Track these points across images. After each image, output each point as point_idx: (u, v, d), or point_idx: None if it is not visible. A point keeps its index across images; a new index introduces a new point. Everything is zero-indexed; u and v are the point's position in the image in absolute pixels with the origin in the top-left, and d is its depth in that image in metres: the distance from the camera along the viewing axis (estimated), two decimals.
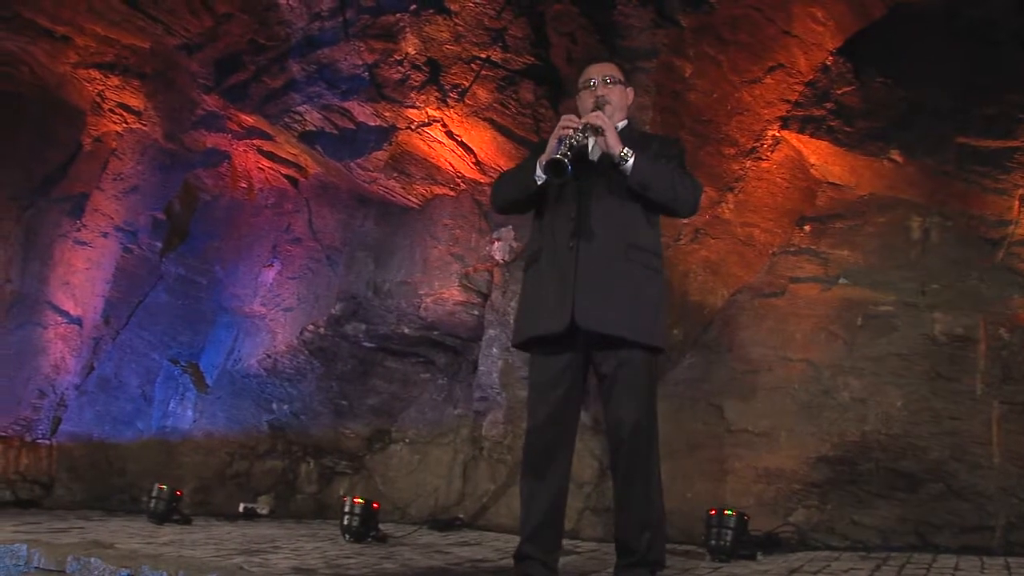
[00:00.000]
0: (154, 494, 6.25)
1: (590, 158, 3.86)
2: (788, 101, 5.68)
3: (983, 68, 5.24)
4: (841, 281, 5.62)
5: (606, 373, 3.73)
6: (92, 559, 3.98)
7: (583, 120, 3.77)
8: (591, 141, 3.80)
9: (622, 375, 3.69)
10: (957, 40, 5.31)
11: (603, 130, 3.74)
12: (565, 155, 3.62)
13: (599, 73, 4.06)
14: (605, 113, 3.88)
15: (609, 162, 3.77)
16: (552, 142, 3.76)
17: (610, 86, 4.02)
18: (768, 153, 5.76)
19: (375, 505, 5.51)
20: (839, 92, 5.57)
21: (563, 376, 3.77)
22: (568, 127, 3.72)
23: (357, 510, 5.42)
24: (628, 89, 4.14)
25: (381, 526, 5.61)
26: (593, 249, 3.71)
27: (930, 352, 5.28)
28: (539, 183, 3.80)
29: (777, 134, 5.73)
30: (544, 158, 3.74)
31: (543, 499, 3.76)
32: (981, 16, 5.26)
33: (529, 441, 3.83)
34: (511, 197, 4.04)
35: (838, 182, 5.76)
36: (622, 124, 4.03)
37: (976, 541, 4.96)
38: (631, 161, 3.70)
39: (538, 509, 3.75)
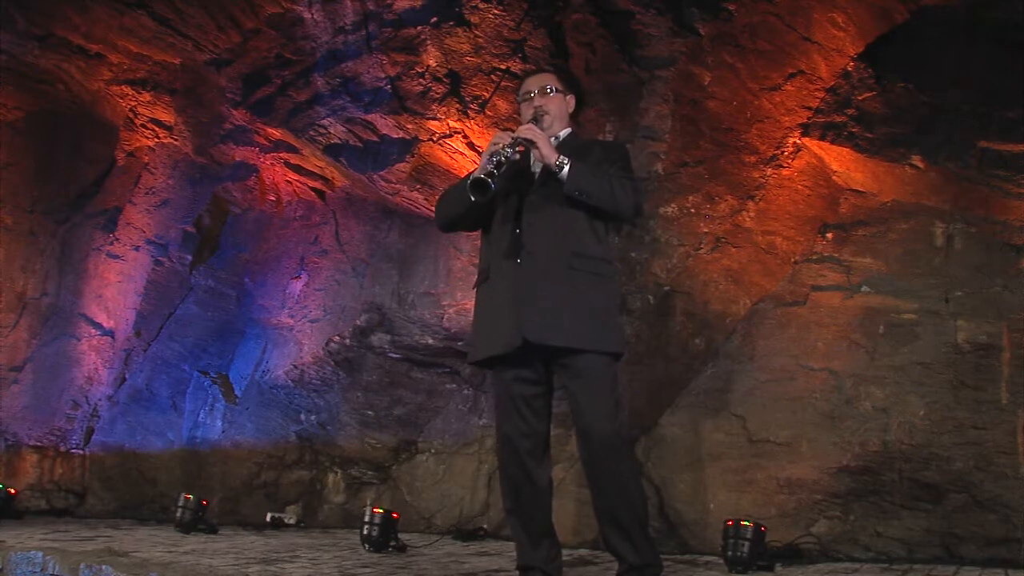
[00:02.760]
0: (181, 504, 6.33)
1: (532, 171, 3.87)
2: (809, 108, 5.62)
3: (1006, 71, 5.14)
4: (863, 289, 5.55)
5: (566, 384, 3.74)
6: (104, 567, 4.05)
7: (515, 134, 3.77)
8: (531, 154, 3.81)
9: (581, 384, 3.69)
10: (979, 43, 5.22)
11: (535, 142, 3.74)
12: (491, 173, 3.62)
13: (536, 84, 4.08)
14: (544, 123, 3.92)
15: (549, 173, 3.76)
16: (483, 159, 3.76)
17: (548, 96, 4.03)
18: (789, 161, 5.71)
19: (394, 515, 5.54)
20: (860, 98, 5.51)
21: (524, 388, 3.78)
22: (498, 143, 3.73)
23: (377, 520, 5.45)
24: (568, 97, 4.14)
25: (407, 536, 5.64)
26: (537, 262, 3.72)
27: (953, 361, 5.19)
28: (473, 199, 3.78)
29: (798, 141, 5.68)
30: (472, 174, 3.74)
31: (528, 507, 3.78)
32: (1004, 18, 5.17)
33: (503, 454, 3.85)
34: (451, 214, 4.06)
35: (860, 189, 5.69)
36: (564, 132, 4.05)
37: (1002, 553, 4.86)
38: (566, 169, 3.69)
39: (527, 518, 3.78)
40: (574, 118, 4.23)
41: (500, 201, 3.86)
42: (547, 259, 3.72)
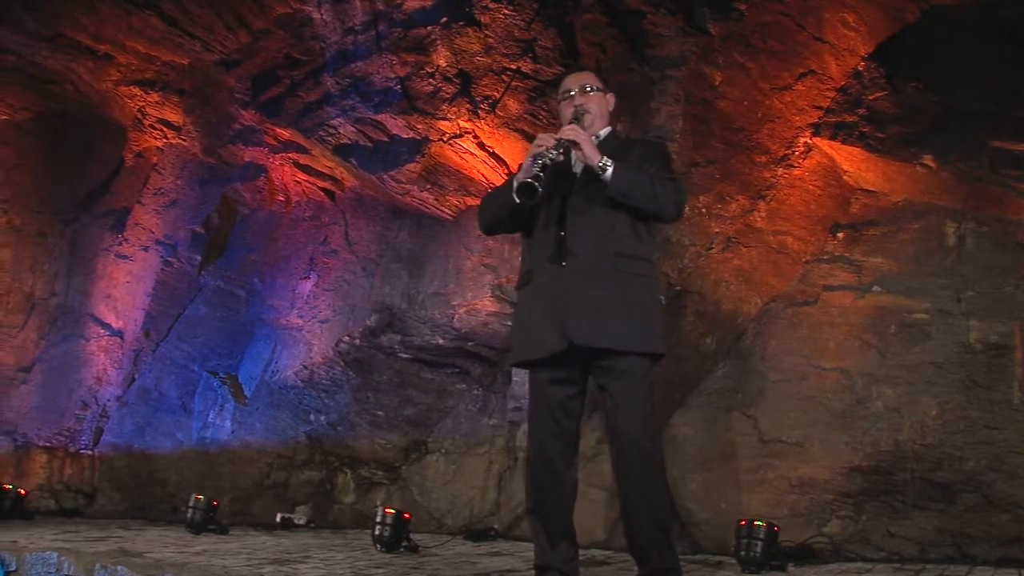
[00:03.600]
0: (191, 504, 6.33)
1: (573, 171, 3.85)
2: (820, 107, 5.62)
3: (1018, 70, 5.13)
4: (875, 289, 5.54)
5: (604, 384, 3.71)
6: (119, 567, 4.05)
7: (557, 135, 3.74)
8: (572, 155, 3.79)
9: (620, 385, 3.66)
10: (991, 42, 5.21)
11: (579, 143, 3.71)
12: (537, 176, 3.60)
13: (576, 83, 4.04)
14: (584, 122, 3.88)
15: (591, 174, 3.74)
16: (526, 161, 3.74)
17: (589, 94, 3.99)
18: (800, 160, 5.71)
19: (406, 515, 5.54)
20: (871, 98, 5.50)
21: (561, 389, 3.76)
22: (542, 145, 3.70)
23: (388, 520, 5.45)
24: (608, 96, 4.10)
25: (417, 536, 5.63)
26: (580, 263, 3.69)
27: (965, 360, 5.18)
28: (517, 202, 3.76)
29: (809, 141, 5.67)
30: (518, 178, 3.72)
31: (552, 508, 3.76)
32: (1016, 17, 5.17)
33: (532, 453, 3.84)
34: (495, 217, 4.03)
35: (871, 188, 5.68)
36: (604, 132, 4.02)
37: (1015, 553, 4.85)
38: (609, 171, 3.67)
39: (549, 519, 3.76)
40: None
41: (542, 203, 3.81)
42: (591, 261, 3.70)
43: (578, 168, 3.84)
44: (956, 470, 5.07)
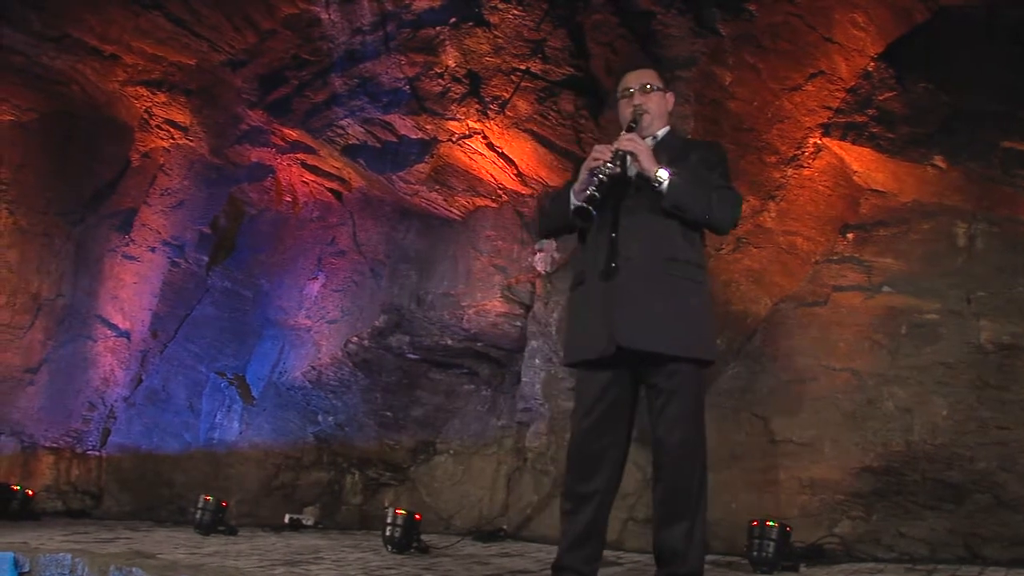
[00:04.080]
0: (200, 505, 6.31)
1: (628, 175, 3.83)
2: (829, 108, 5.62)
3: None
4: (885, 289, 5.55)
5: (653, 385, 3.69)
6: (134, 569, 4.04)
7: (614, 146, 3.70)
8: (629, 163, 3.77)
9: (669, 389, 3.63)
10: (1001, 43, 5.21)
11: (636, 155, 3.69)
12: (592, 197, 3.59)
13: (636, 81, 3.95)
14: (643, 123, 3.84)
15: (646, 180, 3.71)
16: (583, 173, 3.72)
17: (648, 93, 3.91)
18: (810, 161, 5.71)
19: (417, 516, 5.53)
20: (881, 98, 5.50)
21: (608, 391, 3.72)
22: (599, 158, 3.68)
23: (399, 521, 5.44)
24: (668, 95, 4.03)
25: (426, 537, 5.63)
26: (633, 267, 3.66)
27: (976, 361, 5.20)
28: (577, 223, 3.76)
29: (819, 141, 5.68)
30: (576, 189, 3.72)
31: (585, 511, 3.73)
32: None
33: (570, 453, 3.81)
34: (552, 226, 4.05)
35: (881, 189, 5.69)
36: (663, 132, 3.96)
37: None
38: (665, 184, 3.64)
39: (579, 520, 3.72)
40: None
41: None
42: (643, 265, 3.66)
43: (633, 172, 3.79)
44: (967, 470, 5.09)
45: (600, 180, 3.64)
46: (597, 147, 3.78)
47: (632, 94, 3.94)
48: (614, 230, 3.74)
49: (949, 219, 5.46)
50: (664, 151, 3.80)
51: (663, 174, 3.65)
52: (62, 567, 4.38)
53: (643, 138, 3.82)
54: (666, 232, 3.72)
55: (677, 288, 3.68)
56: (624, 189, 3.79)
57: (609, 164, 3.66)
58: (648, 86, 3.94)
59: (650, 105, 3.90)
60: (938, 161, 5.38)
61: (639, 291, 3.65)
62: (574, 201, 3.72)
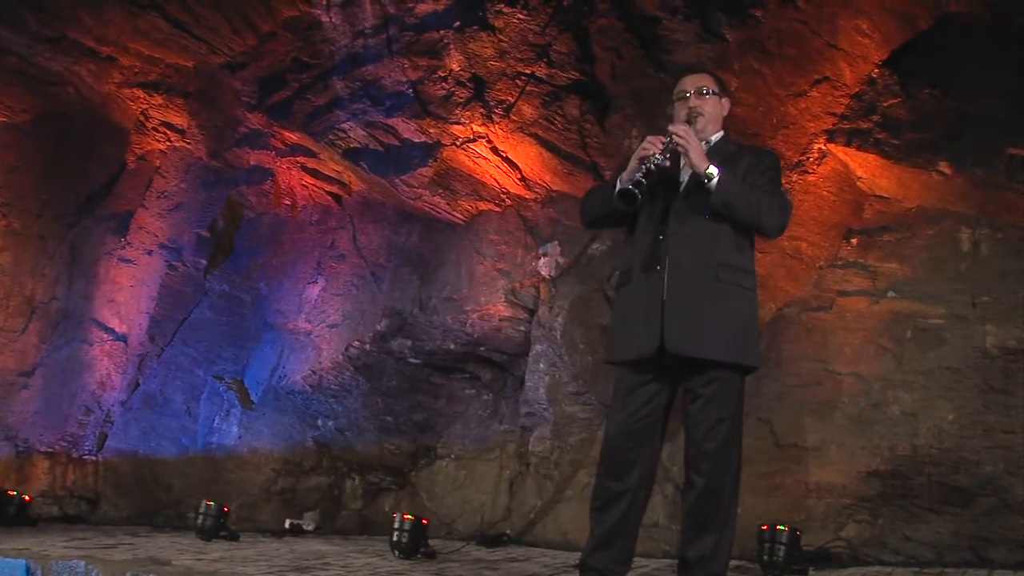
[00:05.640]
0: (202, 510, 6.26)
1: (680, 178, 3.82)
2: (834, 114, 5.65)
3: None
4: (889, 294, 5.57)
5: (692, 389, 3.69)
6: (150, 575, 4.01)
7: (667, 138, 3.70)
8: (680, 158, 3.77)
9: (708, 395, 3.65)
10: (1006, 49, 5.24)
11: (687, 148, 3.69)
12: (639, 182, 3.60)
13: (693, 84, 3.96)
14: (697, 125, 3.84)
15: (697, 181, 3.71)
16: (633, 162, 3.73)
17: (704, 97, 3.92)
18: (815, 166, 5.74)
19: (424, 521, 5.53)
20: (886, 104, 5.52)
21: (646, 391, 3.74)
22: (650, 148, 3.68)
23: (407, 526, 5.43)
24: (724, 100, 4.03)
25: (428, 542, 5.62)
26: (682, 270, 3.67)
27: (982, 365, 5.22)
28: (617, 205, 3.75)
29: (823, 147, 5.70)
30: (623, 177, 3.72)
31: (613, 510, 3.73)
32: None
33: (604, 450, 3.82)
34: (597, 213, 4.03)
35: (885, 195, 5.71)
36: (717, 136, 3.97)
37: None
38: (715, 180, 3.64)
39: (607, 520, 3.72)
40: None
41: (646, 203, 3.79)
42: (691, 269, 3.67)
43: (685, 175, 3.81)
44: (973, 474, 5.12)
45: (648, 168, 3.65)
46: (649, 137, 3.77)
47: (688, 97, 3.94)
48: (662, 231, 3.75)
49: (953, 224, 5.49)
50: (717, 154, 3.80)
51: (713, 171, 3.66)
52: (75, 574, 4.34)
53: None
54: (717, 237, 3.73)
55: (725, 294, 3.69)
56: (676, 191, 3.80)
57: (659, 155, 3.67)
58: (705, 90, 3.95)
59: (705, 108, 3.91)
60: (943, 167, 5.40)
61: (686, 296, 3.65)
62: (620, 182, 3.72)
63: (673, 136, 3.70)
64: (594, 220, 4.15)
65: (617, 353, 3.88)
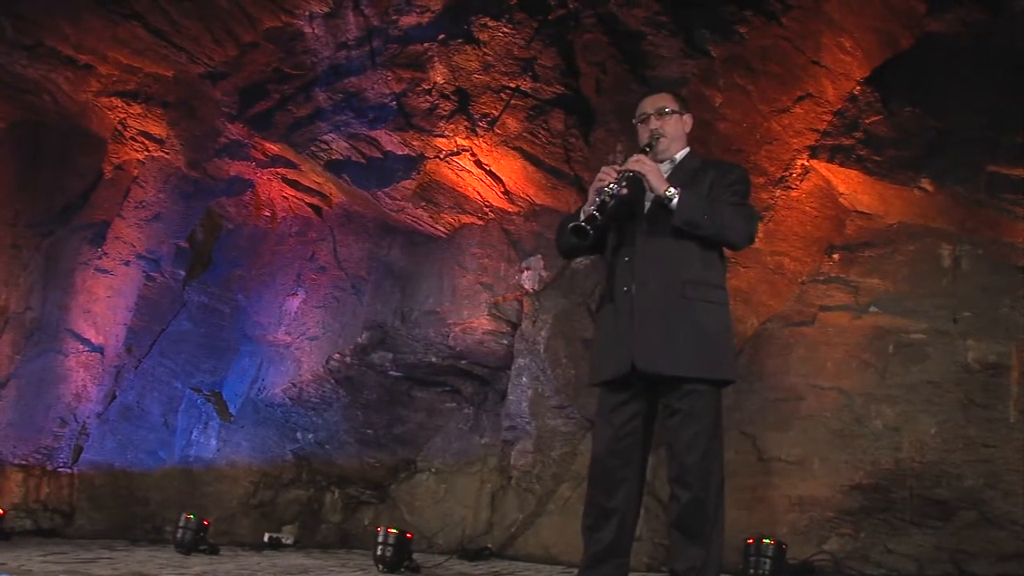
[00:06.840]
0: (182, 524, 6.21)
1: (644, 200, 3.87)
2: (817, 130, 5.70)
3: (1013, 96, 5.24)
4: (872, 309, 5.63)
5: (669, 404, 3.74)
6: None
7: (623, 167, 3.77)
8: (647, 189, 3.81)
9: (685, 410, 3.68)
10: (986, 68, 5.32)
11: (644, 174, 3.74)
12: (592, 217, 3.67)
13: (652, 105, 4.02)
14: (660, 146, 3.91)
15: (660, 201, 3.76)
16: (590, 194, 3.79)
17: (665, 117, 3.98)
18: (797, 182, 5.79)
19: (408, 535, 5.50)
20: (868, 121, 5.59)
21: (626, 409, 3.80)
22: (604, 179, 3.74)
23: (391, 540, 5.41)
24: (685, 117, 4.08)
25: (412, 556, 5.59)
26: (649, 290, 3.74)
27: (963, 380, 5.29)
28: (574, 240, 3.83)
29: (806, 163, 5.75)
30: (585, 208, 3.78)
31: (606, 528, 3.75)
32: (1009, 45, 5.27)
33: (592, 469, 3.86)
34: (566, 245, 4.09)
35: (867, 211, 5.78)
36: (682, 154, 4.02)
37: (1013, 569, 4.96)
38: (675, 201, 3.69)
39: (601, 538, 3.75)
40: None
41: (614, 228, 3.90)
42: (658, 288, 3.73)
43: (649, 198, 3.86)
44: (954, 487, 5.17)
45: (603, 200, 3.70)
46: (604, 168, 3.84)
47: (649, 118, 4.01)
48: (630, 255, 3.83)
49: (934, 241, 5.56)
50: (682, 172, 3.89)
51: (672, 192, 3.71)
52: None
53: (660, 161, 3.89)
54: (683, 255, 3.79)
55: (692, 310, 3.74)
56: (642, 215, 3.86)
57: (614, 185, 3.72)
58: (665, 109, 4.01)
59: (667, 128, 3.98)
60: (924, 184, 5.47)
61: (654, 315, 3.72)
62: (583, 214, 3.77)
63: (628, 165, 3.77)
64: (567, 252, 4.28)
65: (596, 375, 3.96)
